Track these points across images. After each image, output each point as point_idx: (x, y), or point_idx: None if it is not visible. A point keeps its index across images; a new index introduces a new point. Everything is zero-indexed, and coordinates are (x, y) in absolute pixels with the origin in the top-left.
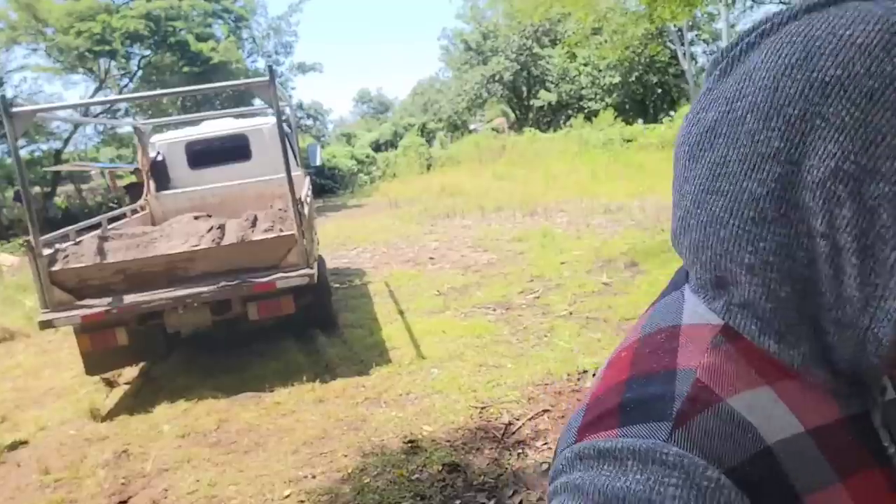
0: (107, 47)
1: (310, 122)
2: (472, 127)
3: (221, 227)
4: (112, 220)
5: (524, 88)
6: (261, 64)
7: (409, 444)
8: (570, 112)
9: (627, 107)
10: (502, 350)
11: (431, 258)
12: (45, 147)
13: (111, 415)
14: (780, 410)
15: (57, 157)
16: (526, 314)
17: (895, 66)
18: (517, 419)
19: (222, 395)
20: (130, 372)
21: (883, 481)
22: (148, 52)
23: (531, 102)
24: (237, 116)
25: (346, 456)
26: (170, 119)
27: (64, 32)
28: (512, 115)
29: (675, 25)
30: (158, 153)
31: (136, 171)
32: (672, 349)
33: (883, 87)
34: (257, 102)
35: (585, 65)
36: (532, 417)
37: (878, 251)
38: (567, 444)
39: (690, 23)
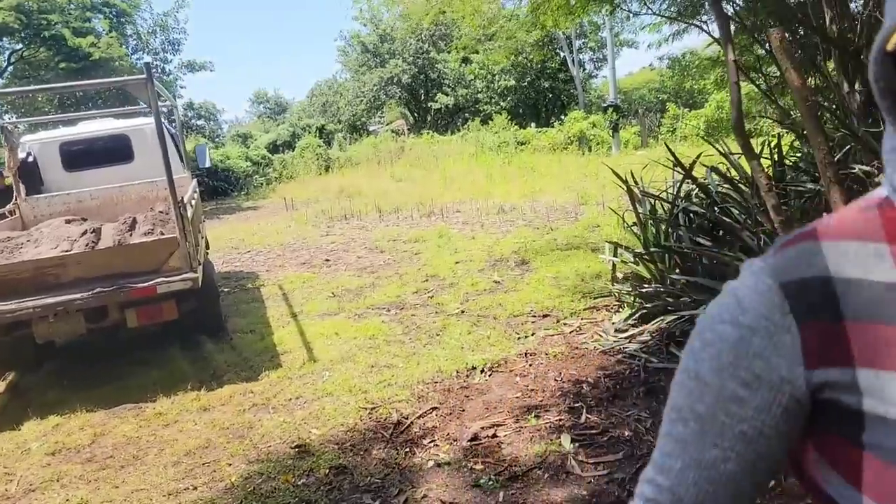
0: None
1: (201, 122)
2: (371, 129)
3: (96, 231)
4: None
5: (422, 91)
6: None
7: (297, 449)
8: (466, 115)
9: (521, 111)
10: (394, 350)
11: (327, 260)
12: None
13: None
14: (884, 259)
15: None
16: (419, 314)
17: None
18: (406, 418)
19: (99, 408)
20: None
21: None
22: (20, 46)
23: (429, 105)
24: (118, 116)
25: (230, 465)
26: (42, 118)
27: None
28: (411, 118)
29: (563, 33)
30: (29, 154)
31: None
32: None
33: None
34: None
35: (481, 69)
36: (421, 416)
37: None
38: None
39: (578, 31)
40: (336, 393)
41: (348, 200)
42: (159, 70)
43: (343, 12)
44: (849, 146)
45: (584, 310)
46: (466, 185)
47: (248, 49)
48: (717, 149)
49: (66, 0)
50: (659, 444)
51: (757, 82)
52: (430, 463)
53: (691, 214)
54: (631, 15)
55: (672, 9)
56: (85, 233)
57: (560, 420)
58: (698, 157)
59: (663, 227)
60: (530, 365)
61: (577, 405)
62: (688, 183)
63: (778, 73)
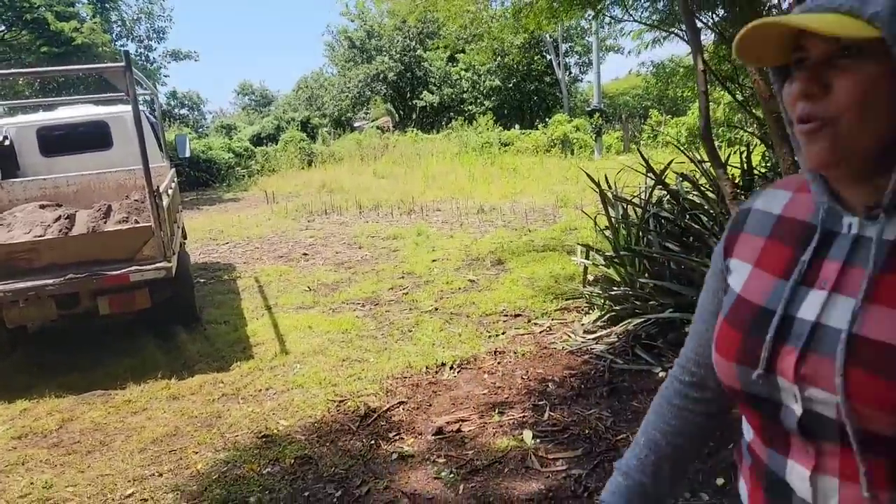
0: None
1: (185, 111)
2: (356, 124)
3: (70, 217)
4: None
5: (408, 89)
6: (131, 49)
7: (264, 439)
8: (451, 114)
9: (506, 112)
10: (366, 345)
11: (305, 254)
12: None
13: None
14: (782, 201)
15: None
16: (393, 310)
17: None
18: (373, 411)
19: (68, 394)
20: None
21: (788, 254)
22: (1, 28)
23: (414, 103)
24: (98, 102)
25: (196, 453)
26: (21, 102)
27: None
28: (396, 115)
29: (550, 37)
30: (6, 138)
31: None
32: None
33: None
34: None
35: (466, 70)
36: (388, 409)
37: None
38: None
39: (564, 35)
40: (306, 385)
41: (329, 195)
42: (143, 58)
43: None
44: None
45: (556, 311)
46: (448, 184)
47: (235, 40)
48: (687, 156)
49: None
50: None
51: (734, 92)
52: (395, 455)
53: (662, 220)
54: (613, 21)
55: (654, 17)
56: (59, 219)
57: (524, 416)
58: (669, 163)
59: (634, 231)
60: (499, 363)
61: (541, 403)
62: (659, 189)
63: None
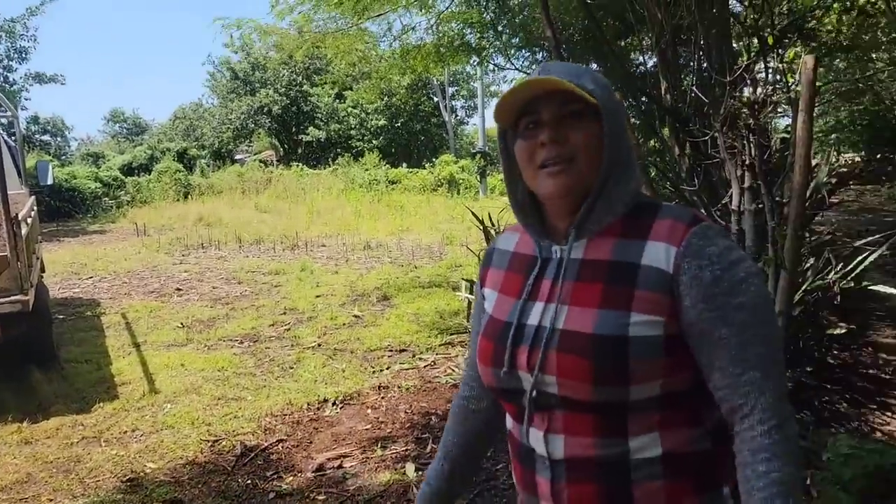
0: None
1: (47, 137)
2: (238, 157)
3: None
4: None
5: (293, 123)
6: None
7: (129, 483)
8: (338, 150)
9: (393, 150)
10: (244, 382)
11: (178, 290)
12: None
13: None
14: (514, 241)
15: None
16: (274, 346)
17: None
18: (251, 450)
19: None
20: None
21: (520, 280)
22: None
23: (300, 138)
24: None
25: (51, 500)
26: None
27: None
28: (281, 149)
29: (437, 80)
30: None
31: None
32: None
33: None
34: None
35: (354, 107)
36: (266, 448)
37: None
38: None
39: (451, 79)
40: (177, 426)
41: (207, 229)
42: (2, 79)
43: (213, 37)
44: (674, 203)
45: (440, 345)
46: (334, 220)
47: (107, 65)
48: None
49: None
50: None
51: None
52: (272, 495)
53: None
54: (496, 68)
55: (533, 66)
56: None
57: (407, 450)
58: None
59: None
60: (383, 398)
61: (424, 436)
62: None
63: None
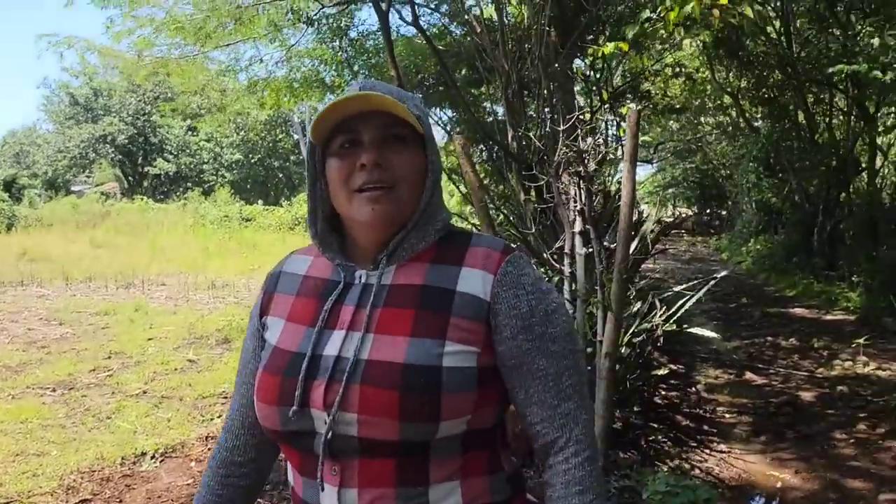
0: None
1: None
2: (75, 188)
3: None
4: None
5: (140, 154)
6: None
7: None
8: (189, 185)
9: (249, 186)
10: (51, 435)
11: None
12: None
13: None
14: (306, 264)
15: None
16: (92, 394)
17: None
18: None
19: None
20: None
21: (314, 306)
22: None
23: (147, 170)
24: None
25: None
26: None
27: None
28: (125, 181)
29: (297, 118)
30: None
31: None
32: None
33: None
34: None
35: (208, 140)
36: None
37: None
38: None
39: (310, 117)
40: None
41: (30, 265)
42: None
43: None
44: (516, 245)
45: None
46: (179, 258)
47: None
48: None
49: None
50: None
51: (457, 184)
52: None
53: None
54: None
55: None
56: None
57: None
58: None
59: None
60: (209, 449)
61: None
62: None
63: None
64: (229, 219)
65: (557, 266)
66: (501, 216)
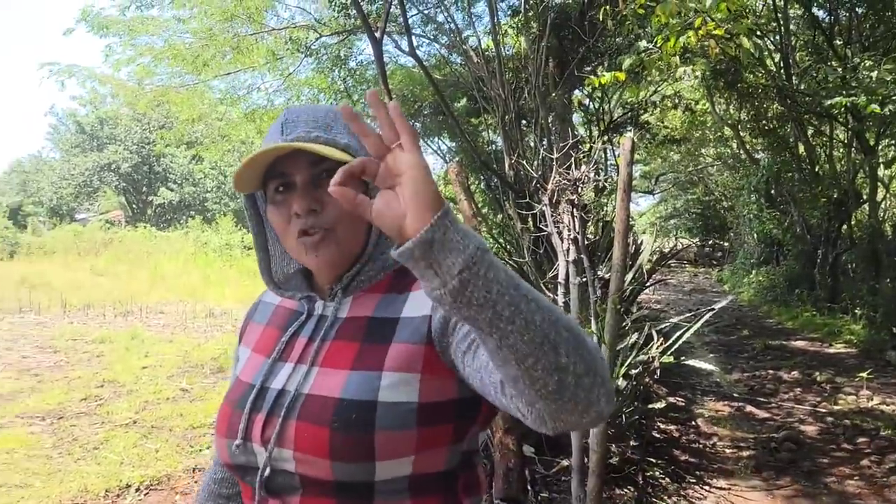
0: None
1: None
2: (80, 216)
3: None
4: None
5: (144, 183)
6: None
7: None
8: (192, 213)
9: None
10: (36, 467)
11: None
12: None
13: None
14: (279, 298)
15: None
16: (81, 424)
17: None
18: None
19: None
20: None
21: (276, 336)
22: None
23: (150, 199)
24: None
25: None
26: None
27: None
28: (129, 210)
29: None
30: None
31: None
32: None
33: None
34: None
35: (213, 169)
36: None
37: None
38: None
39: None
40: None
41: (30, 291)
42: None
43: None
44: None
45: None
46: (179, 286)
47: None
48: None
49: None
50: None
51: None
52: None
53: None
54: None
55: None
56: None
57: None
58: None
59: None
60: (196, 481)
61: None
62: None
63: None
64: (231, 247)
65: (551, 296)
66: (497, 245)
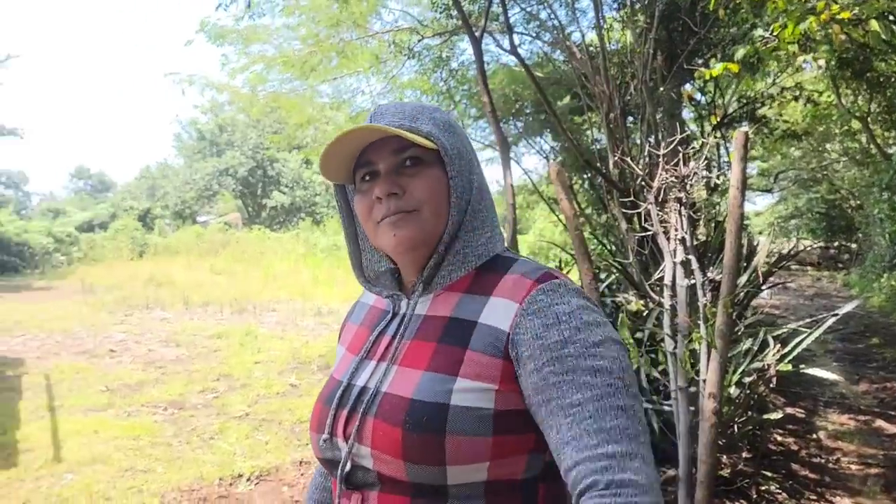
0: None
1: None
2: (201, 219)
3: None
4: None
5: (259, 186)
6: None
7: None
8: (302, 216)
9: None
10: (158, 453)
11: (112, 351)
12: None
13: None
14: (374, 298)
15: None
16: (199, 414)
17: None
18: None
19: None
20: None
21: (367, 335)
22: None
23: (265, 202)
24: None
25: None
26: None
27: None
28: (245, 212)
29: None
30: None
31: None
32: None
33: None
34: None
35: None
36: None
37: None
38: None
39: None
40: (72, 499)
41: (156, 289)
42: None
43: (180, 97)
44: (614, 276)
45: None
46: (289, 285)
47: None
48: None
49: None
50: None
51: (558, 214)
52: None
53: None
54: None
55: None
56: None
57: None
58: None
59: None
60: (302, 474)
61: None
62: None
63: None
64: (338, 248)
65: (657, 298)
66: (601, 247)
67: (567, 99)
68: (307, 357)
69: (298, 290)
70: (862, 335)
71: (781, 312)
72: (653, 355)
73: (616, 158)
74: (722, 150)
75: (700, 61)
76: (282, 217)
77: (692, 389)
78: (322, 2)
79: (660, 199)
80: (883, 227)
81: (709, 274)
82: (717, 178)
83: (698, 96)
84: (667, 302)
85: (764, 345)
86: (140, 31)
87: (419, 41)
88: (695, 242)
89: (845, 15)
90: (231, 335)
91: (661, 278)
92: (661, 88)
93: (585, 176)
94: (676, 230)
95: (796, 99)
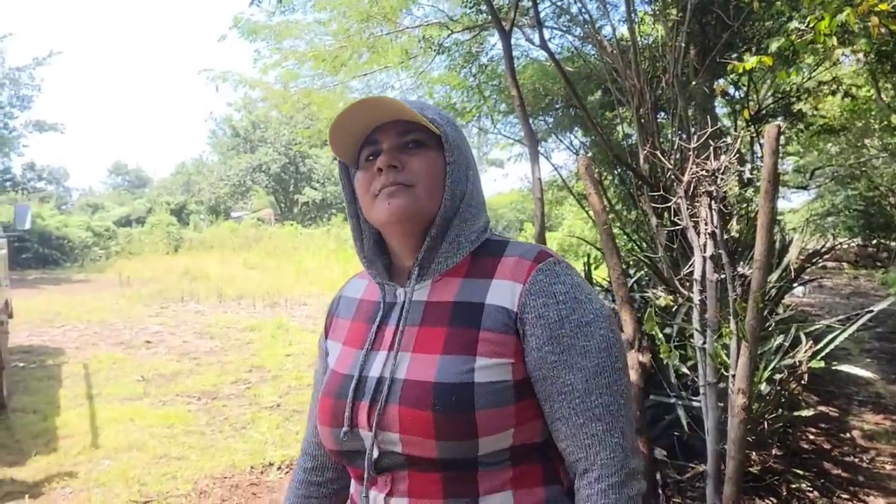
0: None
1: (42, 184)
2: (235, 214)
3: None
4: None
5: (291, 182)
6: None
7: None
8: (333, 211)
9: None
10: (192, 441)
11: (148, 342)
12: None
13: None
14: (362, 288)
15: None
16: (231, 404)
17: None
18: None
19: None
20: None
21: (365, 328)
22: None
23: (297, 198)
24: None
25: None
26: None
27: None
28: (278, 208)
29: None
30: None
31: None
32: None
33: None
34: None
35: None
36: None
37: None
38: None
39: None
40: (109, 483)
41: (191, 283)
42: (1, 125)
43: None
44: (643, 271)
45: None
46: (321, 279)
47: (113, 119)
48: None
49: None
50: None
51: (586, 209)
52: None
53: None
54: (480, 131)
55: (519, 134)
56: None
57: None
58: None
59: None
60: None
61: None
62: None
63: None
64: None
65: (686, 293)
66: (631, 242)
67: (598, 94)
68: None
69: (329, 284)
70: None
71: (816, 310)
72: (682, 351)
73: (646, 153)
74: (756, 147)
75: (734, 55)
76: (313, 213)
77: (721, 385)
78: None
79: (690, 194)
80: None
81: (739, 269)
82: (751, 172)
83: (732, 91)
84: (696, 297)
85: (796, 341)
86: (175, 27)
87: (448, 36)
88: (725, 237)
89: (884, 7)
90: (263, 328)
91: (691, 273)
92: (694, 83)
93: (616, 172)
94: (706, 224)
95: (833, 93)
